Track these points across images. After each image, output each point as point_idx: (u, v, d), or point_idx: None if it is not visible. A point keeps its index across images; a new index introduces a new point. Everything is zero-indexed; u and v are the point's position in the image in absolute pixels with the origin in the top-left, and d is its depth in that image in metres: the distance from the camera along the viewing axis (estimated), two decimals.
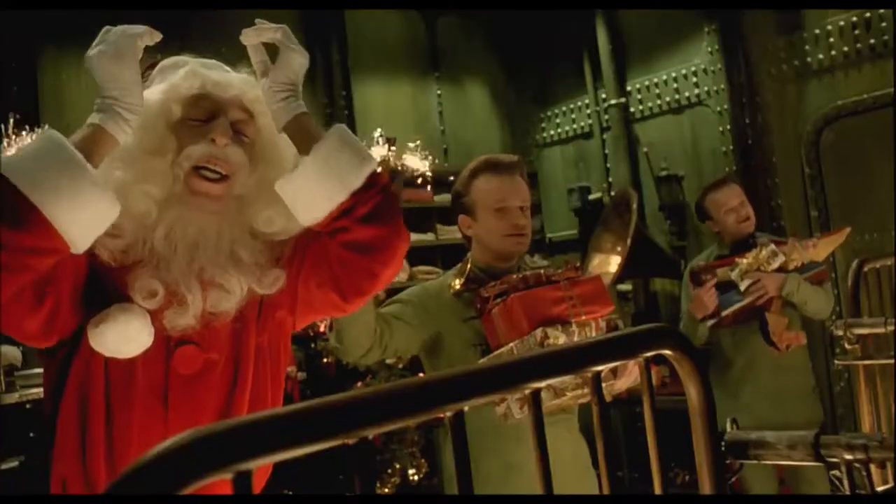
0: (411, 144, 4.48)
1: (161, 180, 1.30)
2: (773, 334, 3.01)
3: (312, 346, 3.92)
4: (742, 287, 2.99)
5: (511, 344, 1.82)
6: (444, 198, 4.75)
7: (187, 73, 1.37)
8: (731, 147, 4.45)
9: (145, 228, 1.29)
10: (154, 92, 1.36)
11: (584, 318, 1.84)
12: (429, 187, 4.62)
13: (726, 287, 3.05)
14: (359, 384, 3.75)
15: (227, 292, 1.29)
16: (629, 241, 4.25)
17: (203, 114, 1.35)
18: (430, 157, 4.56)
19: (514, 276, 1.90)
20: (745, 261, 3.00)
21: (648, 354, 0.76)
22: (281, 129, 1.37)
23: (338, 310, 1.41)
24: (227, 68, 1.48)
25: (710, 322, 3.07)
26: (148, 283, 1.26)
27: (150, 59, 1.43)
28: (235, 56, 1.49)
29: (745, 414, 2.97)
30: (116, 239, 1.27)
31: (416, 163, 4.47)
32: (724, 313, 3.05)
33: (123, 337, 1.22)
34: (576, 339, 1.80)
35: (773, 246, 2.99)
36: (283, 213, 1.36)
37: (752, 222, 3.20)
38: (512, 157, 2.19)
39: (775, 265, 2.98)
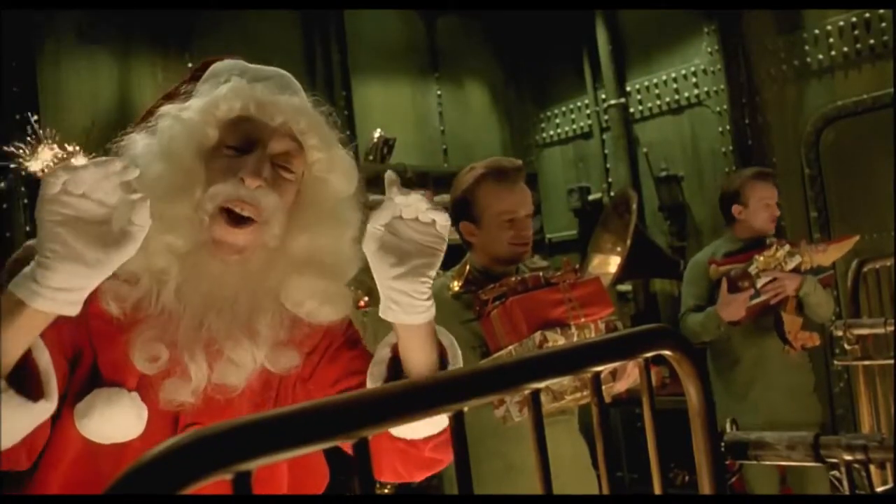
0: None
1: (186, 229, 1.11)
2: (788, 333, 3.02)
3: None
4: (759, 284, 3.00)
5: (510, 347, 1.82)
6: (444, 198, 4.75)
7: (230, 90, 1.15)
8: (730, 147, 4.45)
9: (160, 279, 1.12)
10: (192, 108, 1.16)
11: (583, 320, 1.84)
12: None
13: (737, 284, 3.05)
14: None
15: (236, 366, 1.12)
16: (629, 241, 4.24)
17: (240, 141, 1.14)
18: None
19: (513, 279, 1.90)
20: (762, 258, 3.01)
21: (648, 355, 0.76)
22: (414, 325, 1.10)
23: None
24: (287, 81, 1.24)
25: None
26: (151, 347, 1.10)
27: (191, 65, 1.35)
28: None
29: (754, 412, 2.99)
30: (131, 288, 1.10)
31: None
32: None
33: (111, 427, 1.07)
34: (575, 341, 1.80)
35: (789, 246, 3.00)
36: (318, 294, 1.16)
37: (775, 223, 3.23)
38: (515, 163, 2.16)
39: (793, 265, 2.99)
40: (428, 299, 1.09)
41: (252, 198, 1.11)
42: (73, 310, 0.94)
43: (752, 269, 3.00)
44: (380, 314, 1.11)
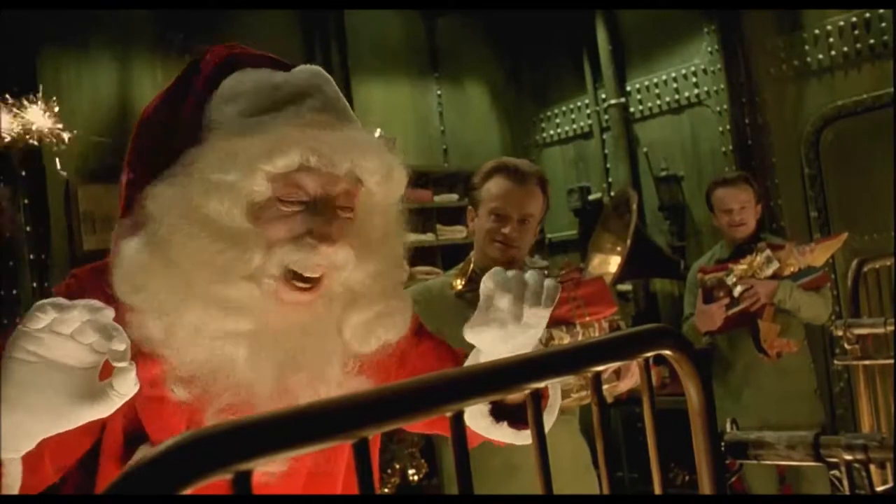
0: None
1: (248, 308, 0.97)
2: (763, 341, 3.02)
3: None
4: (735, 293, 2.99)
5: None
6: (444, 198, 4.76)
7: (284, 140, 0.97)
8: (730, 147, 4.45)
9: (230, 359, 0.99)
10: (237, 169, 0.96)
11: (587, 319, 1.84)
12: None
13: (712, 294, 3.06)
14: None
15: None
16: (629, 241, 4.24)
17: (301, 196, 1.00)
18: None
19: None
20: (739, 267, 3.01)
21: (648, 355, 0.76)
22: None
23: None
24: (335, 100, 1.07)
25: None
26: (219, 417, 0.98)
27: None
28: None
29: (747, 415, 2.99)
30: (196, 370, 0.98)
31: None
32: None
33: None
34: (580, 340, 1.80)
35: (768, 252, 2.99)
36: (380, 322, 1.07)
37: (747, 230, 3.18)
38: (532, 167, 2.16)
39: (769, 272, 2.98)
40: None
41: (329, 261, 1.01)
42: (16, 455, 0.84)
43: (730, 279, 3.00)
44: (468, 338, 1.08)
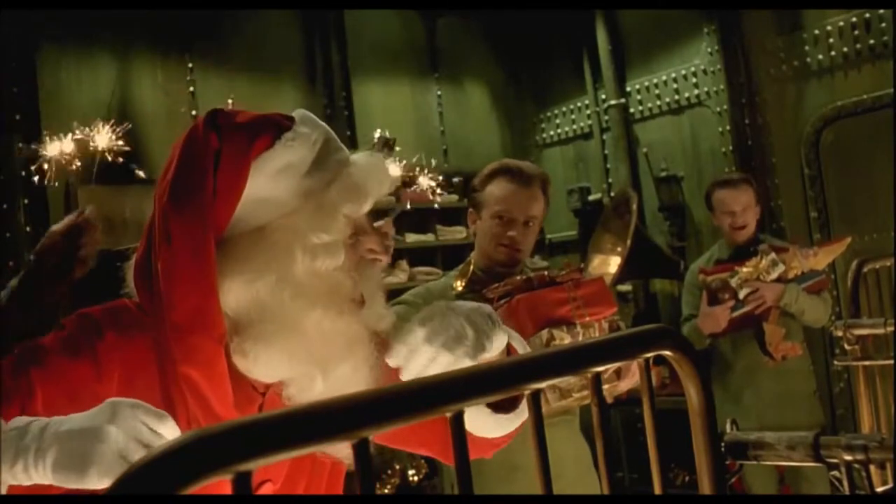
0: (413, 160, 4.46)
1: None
2: (769, 345, 3.01)
3: None
4: (741, 295, 2.99)
5: None
6: (445, 198, 4.76)
7: (343, 209, 1.10)
8: (730, 147, 4.45)
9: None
10: (332, 231, 1.09)
11: (587, 319, 1.84)
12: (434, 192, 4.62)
13: (717, 296, 3.05)
14: None
15: None
16: (629, 241, 4.24)
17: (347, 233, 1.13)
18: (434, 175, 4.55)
19: (519, 278, 1.90)
20: (744, 269, 2.99)
21: (648, 355, 0.76)
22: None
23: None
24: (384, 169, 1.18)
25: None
26: None
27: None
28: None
29: (748, 418, 2.98)
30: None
31: (426, 182, 4.46)
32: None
33: None
34: (580, 340, 1.80)
35: (773, 255, 2.98)
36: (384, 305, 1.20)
37: (747, 232, 3.17)
38: (536, 169, 2.16)
39: (774, 275, 2.97)
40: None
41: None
42: None
43: (735, 281, 2.99)
44: None
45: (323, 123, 1.14)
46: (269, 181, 1.06)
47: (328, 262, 1.07)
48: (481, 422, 1.15)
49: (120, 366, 1.03)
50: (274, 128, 1.08)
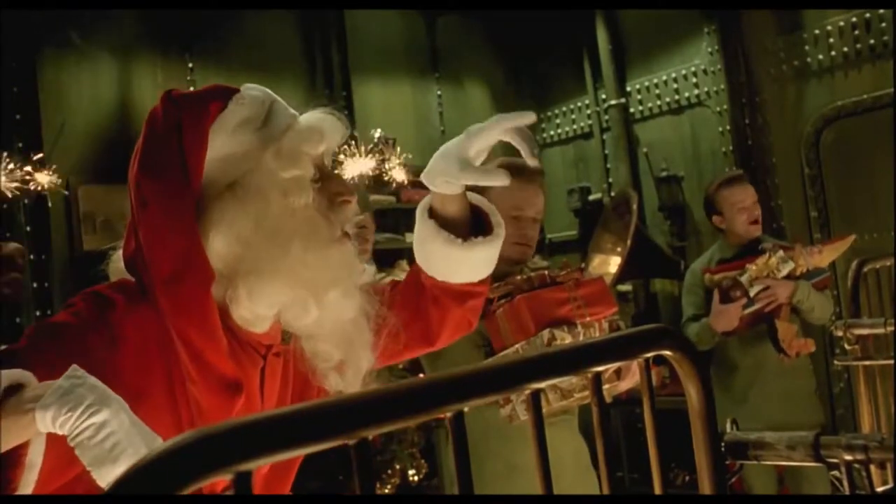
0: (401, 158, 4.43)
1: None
2: (782, 342, 3.01)
3: None
4: (752, 293, 2.98)
5: (517, 345, 1.82)
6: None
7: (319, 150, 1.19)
8: (730, 147, 4.45)
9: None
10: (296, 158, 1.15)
11: (588, 319, 1.84)
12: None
13: (729, 294, 3.04)
14: None
15: None
16: (629, 241, 4.25)
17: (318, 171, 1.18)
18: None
19: (519, 277, 1.90)
20: (754, 266, 2.99)
21: (649, 355, 0.76)
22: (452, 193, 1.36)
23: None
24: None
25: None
26: None
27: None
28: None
29: (755, 417, 2.98)
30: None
31: (401, 175, 4.43)
32: None
33: None
34: (581, 340, 1.80)
35: (782, 252, 2.98)
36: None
37: (760, 226, 3.19)
38: (537, 165, 2.16)
39: (785, 272, 2.97)
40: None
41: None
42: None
43: (745, 278, 2.99)
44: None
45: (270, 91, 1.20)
46: (229, 138, 1.11)
47: (300, 199, 1.11)
48: (442, 254, 1.30)
49: (133, 332, 1.04)
50: (225, 92, 1.14)
